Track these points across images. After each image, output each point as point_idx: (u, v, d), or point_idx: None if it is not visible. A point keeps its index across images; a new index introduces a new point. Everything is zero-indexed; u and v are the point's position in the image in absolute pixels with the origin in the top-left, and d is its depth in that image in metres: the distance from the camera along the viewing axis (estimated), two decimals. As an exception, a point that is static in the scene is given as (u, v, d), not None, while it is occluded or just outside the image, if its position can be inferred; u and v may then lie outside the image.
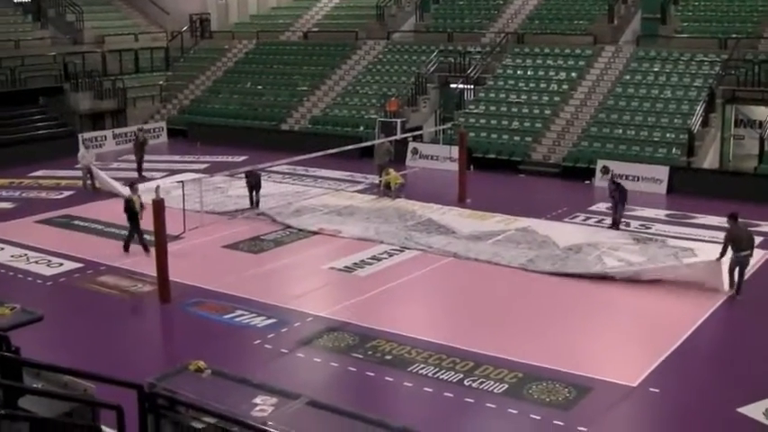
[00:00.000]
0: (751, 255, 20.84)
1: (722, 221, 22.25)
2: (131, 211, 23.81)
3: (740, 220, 21.14)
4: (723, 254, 20.64)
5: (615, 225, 26.13)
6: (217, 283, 21.69)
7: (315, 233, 26.07)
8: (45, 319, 9.74)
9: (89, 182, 32.68)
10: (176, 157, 39.15)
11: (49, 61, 45.64)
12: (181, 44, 53.41)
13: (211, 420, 8.22)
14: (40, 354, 9.70)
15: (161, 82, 50.14)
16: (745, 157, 36.04)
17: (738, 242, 20.59)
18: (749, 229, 21.85)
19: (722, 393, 15.62)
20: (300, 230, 26.31)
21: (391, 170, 30.63)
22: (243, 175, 29.48)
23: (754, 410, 14.78)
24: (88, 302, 20.89)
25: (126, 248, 24.30)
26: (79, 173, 33.29)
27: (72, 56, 46.90)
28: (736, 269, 20.61)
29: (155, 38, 53.69)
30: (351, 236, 25.71)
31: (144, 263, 22.71)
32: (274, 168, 31.56)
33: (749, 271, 21.28)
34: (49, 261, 23.83)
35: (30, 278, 22.54)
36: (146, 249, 23.75)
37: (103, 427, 8.65)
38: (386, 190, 30.40)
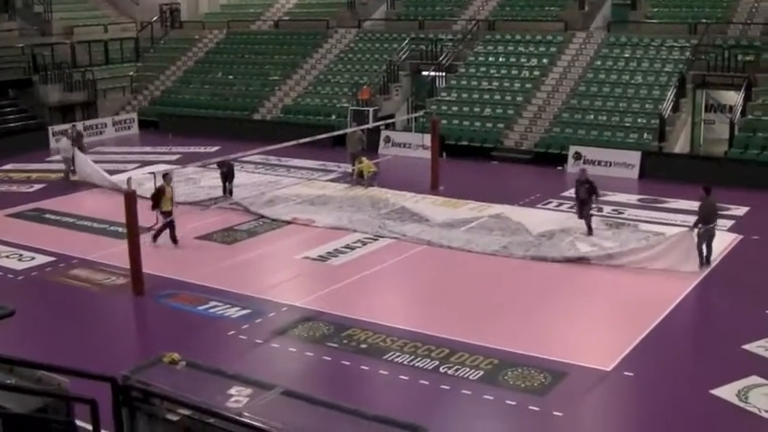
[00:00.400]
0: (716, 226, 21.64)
1: (693, 205, 22.70)
2: (157, 201, 23.49)
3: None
4: (696, 225, 21.30)
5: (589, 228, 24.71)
6: (190, 274, 21.63)
7: (288, 223, 26.04)
8: (17, 314, 9.65)
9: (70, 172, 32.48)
10: (148, 149, 38.94)
11: (17, 53, 45.17)
12: (151, 35, 53.11)
13: (186, 412, 8.19)
14: (12, 349, 9.63)
15: (131, 73, 49.89)
16: (715, 141, 36.28)
17: (709, 215, 21.34)
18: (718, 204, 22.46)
19: (695, 376, 15.75)
20: (274, 220, 26.27)
21: (364, 159, 30.61)
22: (215, 166, 29.40)
23: (726, 392, 14.90)
24: (61, 296, 20.78)
25: (174, 241, 24.06)
26: (51, 165, 33.00)
27: (40, 48, 46.46)
28: (704, 242, 21.24)
29: (124, 28, 53.36)
30: (324, 225, 25.70)
31: (116, 255, 22.53)
32: (246, 158, 31.47)
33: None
34: (21, 255, 23.65)
35: (0, 273, 22.36)
36: (155, 239, 23.84)
37: (78, 422, 8.59)
38: (359, 179, 30.37)
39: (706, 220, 21.25)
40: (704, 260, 21.30)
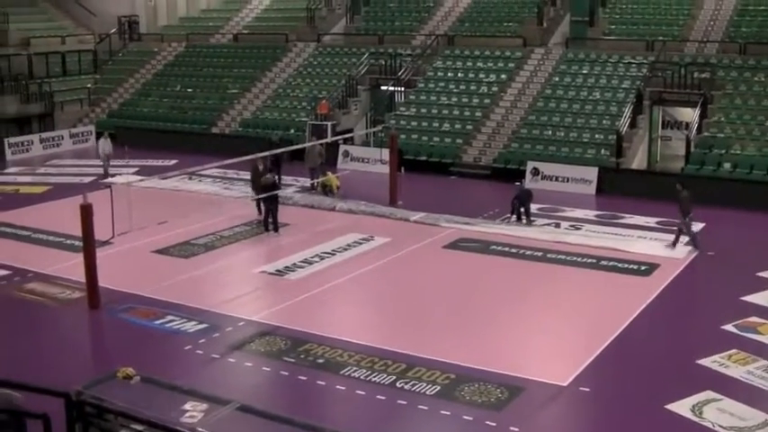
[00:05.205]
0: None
1: (648, 221, 23.56)
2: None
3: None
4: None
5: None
6: (147, 288, 21.45)
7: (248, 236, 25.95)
8: (-30, 328, 9.56)
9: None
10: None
11: (-27, 64, 44.88)
12: (109, 47, 52.80)
13: (140, 428, 8.13)
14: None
15: (89, 85, 49.57)
16: (672, 157, 36.58)
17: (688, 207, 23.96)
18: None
19: (651, 391, 15.82)
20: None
21: (329, 173, 30.84)
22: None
23: (681, 407, 14.99)
24: (15, 310, 20.52)
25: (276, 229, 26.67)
26: (6, 178, 32.74)
27: (-4, 59, 46.15)
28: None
29: (82, 40, 53.02)
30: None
31: (72, 269, 22.30)
32: (205, 172, 31.33)
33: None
34: (-25, 269, 23.37)
35: (-46, 286, 22.08)
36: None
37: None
38: (330, 193, 30.58)
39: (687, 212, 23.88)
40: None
